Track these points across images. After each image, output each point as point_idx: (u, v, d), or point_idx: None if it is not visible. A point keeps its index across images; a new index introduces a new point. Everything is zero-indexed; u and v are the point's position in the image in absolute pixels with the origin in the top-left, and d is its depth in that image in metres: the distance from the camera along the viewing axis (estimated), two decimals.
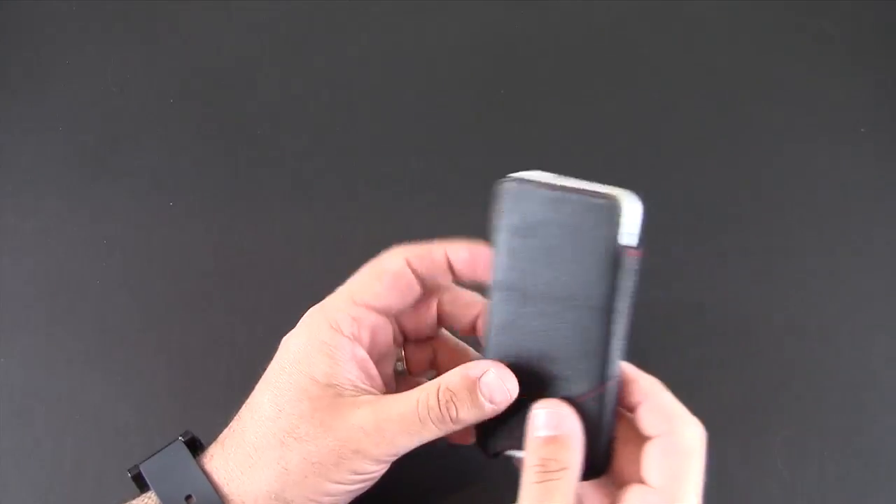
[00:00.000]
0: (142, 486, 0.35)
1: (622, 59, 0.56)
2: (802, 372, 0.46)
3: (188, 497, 0.33)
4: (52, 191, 0.52)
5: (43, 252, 0.50)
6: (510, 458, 0.36)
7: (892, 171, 0.52)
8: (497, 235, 0.35)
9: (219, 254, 0.50)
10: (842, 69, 0.56)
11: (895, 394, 0.45)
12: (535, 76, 0.56)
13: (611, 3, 0.58)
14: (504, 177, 0.35)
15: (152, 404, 0.45)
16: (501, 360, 0.35)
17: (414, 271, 0.37)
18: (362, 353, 0.36)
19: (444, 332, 0.41)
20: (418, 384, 0.35)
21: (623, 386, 0.34)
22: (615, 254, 0.33)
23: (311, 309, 0.37)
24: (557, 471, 0.32)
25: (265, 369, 0.36)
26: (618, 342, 0.34)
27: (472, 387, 0.33)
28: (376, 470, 0.34)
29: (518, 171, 0.35)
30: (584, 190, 0.34)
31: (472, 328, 0.39)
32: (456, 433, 0.39)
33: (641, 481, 0.33)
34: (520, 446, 0.34)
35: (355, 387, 0.35)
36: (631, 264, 0.33)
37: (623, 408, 0.35)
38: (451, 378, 0.34)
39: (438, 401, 0.33)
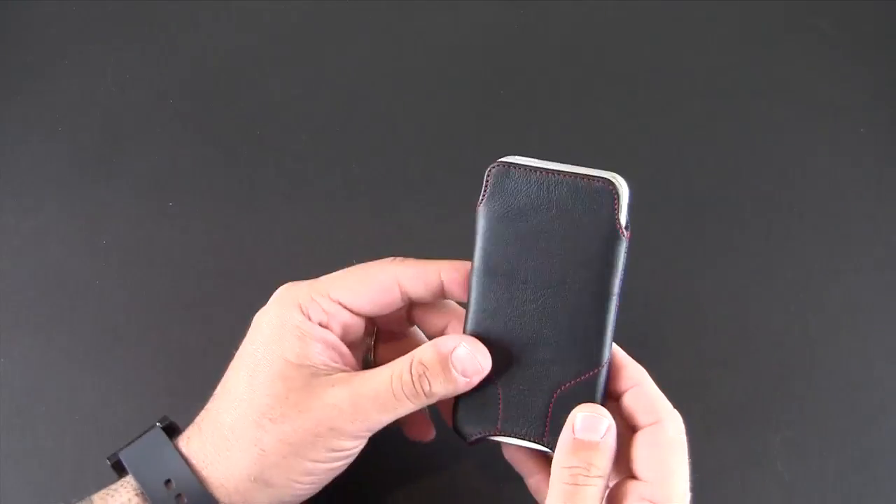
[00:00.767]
0: (122, 473, 0.35)
1: (622, 60, 0.56)
2: (802, 372, 0.46)
3: (167, 481, 0.33)
4: (52, 191, 0.52)
5: (43, 252, 0.50)
6: (487, 444, 0.36)
7: (893, 171, 0.52)
8: (481, 220, 0.35)
9: (219, 254, 0.50)
10: (842, 69, 0.56)
11: (895, 394, 0.45)
12: (535, 76, 0.56)
13: (611, 4, 0.58)
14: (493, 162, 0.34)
15: (152, 404, 0.45)
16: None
17: (402, 289, 0.36)
18: (333, 338, 0.36)
19: (416, 329, 0.41)
20: None
21: (612, 371, 0.34)
22: (614, 235, 0.33)
23: (284, 285, 0.37)
24: (593, 477, 0.32)
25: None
26: (612, 326, 0.34)
27: (445, 360, 0.34)
28: (354, 446, 0.34)
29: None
30: (576, 173, 0.34)
31: (442, 334, 0.38)
32: (415, 429, 0.40)
33: (632, 474, 0.33)
34: (493, 431, 0.35)
35: (328, 366, 0.35)
36: (625, 246, 0.33)
37: (610, 391, 0.35)
38: (424, 352, 0.34)
39: (412, 375, 0.33)
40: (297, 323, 0.35)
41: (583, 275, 0.34)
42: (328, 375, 0.34)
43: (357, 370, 0.36)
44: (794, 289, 0.48)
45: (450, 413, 0.36)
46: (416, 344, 0.40)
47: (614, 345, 0.35)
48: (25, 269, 0.49)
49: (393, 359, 0.38)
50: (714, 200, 0.51)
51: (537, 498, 0.37)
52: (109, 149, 0.53)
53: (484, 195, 0.35)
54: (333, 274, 0.37)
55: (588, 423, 0.33)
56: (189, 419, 0.37)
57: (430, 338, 0.40)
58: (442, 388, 0.34)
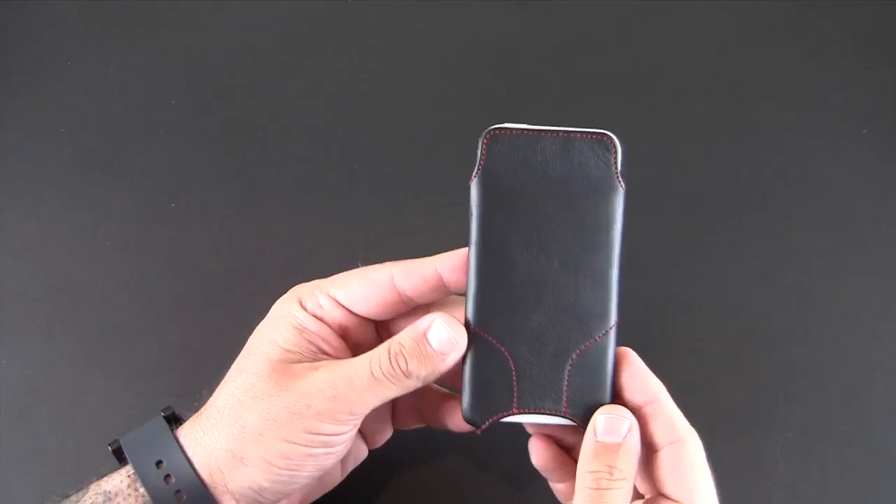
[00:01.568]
0: (122, 460, 0.36)
1: (623, 60, 0.56)
2: (803, 373, 0.46)
3: (159, 462, 0.34)
4: (52, 191, 0.52)
5: (43, 252, 0.50)
6: (499, 427, 0.35)
7: (894, 172, 0.52)
8: (477, 192, 0.34)
9: (219, 254, 0.50)
10: (843, 71, 0.56)
11: (895, 395, 0.45)
12: (535, 76, 0.56)
13: (612, 4, 0.58)
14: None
15: (152, 404, 0.45)
16: (487, 322, 0.34)
17: (397, 286, 0.36)
18: (326, 331, 0.36)
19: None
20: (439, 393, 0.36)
21: (631, 380, 0.34)
22: (613, 187, 0.33)
23: (295, 286, 0.37)
24: (619, 479, 0.32)
25: None
26: (616, 282, 0.34)
27: (420, 338, 0.33)
28: (331, 432, 0.33)
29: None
30: (574, 131, 0.34)
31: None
32: (402, 414, 0.40)
33: (661, 493, 0.33)
34: (510, 411, 0.34)
35: (315, 356, 0.35)
36: (624, 197, 0.34)
37: (626, 401, 0.34)
38: (401, 334, 0.34)
39: (389, 354, 0.33)
40: (293, 312, 0.36)
41: (584, 231, 0.33)
42: (314, 360, 0.35)
43: None
44: (794, 289, 0.48)
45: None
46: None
47: (635, 354, 0.34)
48: (26, 270, 0.49)
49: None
50: (714, 200, 0.51)
51: None
52: (110, 149, 0.53)
53: (479, 166, 0.34)
54: (336, 275, 0.37)
55: (609, 424, 0.33)
56: (187, 417, 0.37)
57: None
58: (418, 366, 0.33)
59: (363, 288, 0.36)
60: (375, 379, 0.33)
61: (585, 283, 0.33)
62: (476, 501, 0.44)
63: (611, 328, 0.34)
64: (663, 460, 0.33)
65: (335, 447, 0.34)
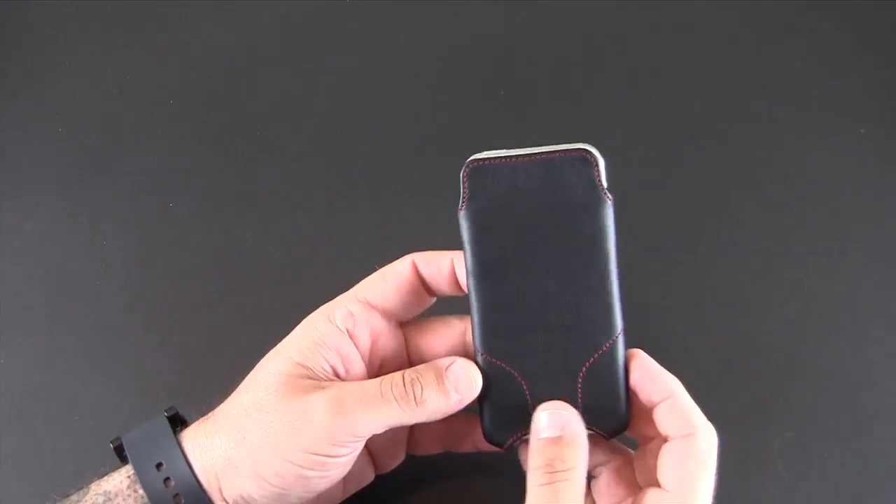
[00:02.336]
0: (123, 458, 0.36)
1: (622, 60, 0.56)
2: (802, 372, 0.46)
3: (159, 464, 0.34)
4: (52, 191, 0.52)
5: (43, 252, 0.50)
6: (520, 447, 0.36)
7: (893, 171, 0.52)
8: (465, 223, 0.35)
9: (219, 254, 0.50)
10: (842, 69, 0.56)
11: (895, 394, 0.45)
12: (534, 76, 0.56)
13: (611, 4, 0.58)
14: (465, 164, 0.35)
15: (152, 404, 0.45)
16: (494, 347, 0.34)
17: (420, 275, 0.37)
18: (349, 348, 0.36)
19: None
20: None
21: (645, 383, 0.34)
22: (600, 200, 0.33)
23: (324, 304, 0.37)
24: (563, 471, 0.32)
25: None
26: (617, 291, 0.34)
27: (440, 371, 0.34)
28: (332, 454, 0.33)
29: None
30: (548, 151, 0.34)
31: None
32: (422, 440, 0.39)
33: (656, 483, 0.33)
34: (529, 429, 0.34)
35: (327, 375, 0.35)
36: (612, 209, 0.34)
37: (643, 402, 0.35)
38: (420, 366, 0.34)
39: (403, 380, 0.33)
40: (317, 328, 0.35)
41: (577, 248, 0.34)
42: (325, 380, 0.34)
43: None
44: (794, 289, 0.48)
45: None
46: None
47: (646, 355, 0.35)
48: (25, 270, 0.49)
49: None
50: (714, 200, 0.51)
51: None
52: (109, 149, 0.53)
53: (464, 199, 0.35)
54: (363, 280, 0.37)
55: (549, 420, 0.33)
56: (189, 419, 0.37)
57: None
58: (433, 397, 0.33)
59: (389, 281, 0.36)
60: (384, 399, 0.33)
61: (585, 298, 0.34)
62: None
63: (616, 337, 0.34)
64: (668, 451, 0.33)
65: (330, 471, 0.34)
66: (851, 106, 0.54)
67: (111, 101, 0.55)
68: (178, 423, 0.36)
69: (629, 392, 0.35)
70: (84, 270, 0.49)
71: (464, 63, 0.56)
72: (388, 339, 0.37)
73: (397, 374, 0.34)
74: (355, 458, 0.35)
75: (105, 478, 0.35)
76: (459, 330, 0.38)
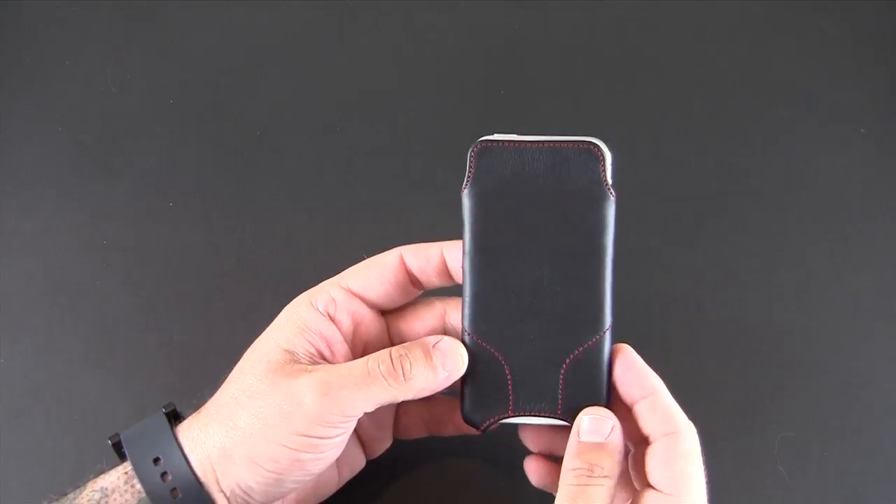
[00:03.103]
0: (121, 455, 0.36)
1: (622, 60, 0.56)
2: (802, 372, 0.46)
3: (156, 459, 0.34)
4: (52, 191, 0.52)
5: (43, 252, 0.50)
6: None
7: (892, 171, 0.52)
8: (469, 201, 0.35)
9: (217, 253, 0.50)
10: (842, 70, 0.56)
11: (895, 394, 0.45)
12: (535, 76, 0.56)
13: (611, 4, 0.58)
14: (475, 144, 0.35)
15: (152, 404, 0.45)
16: (482, 329, 0.35)
17: (407, 268, 0.37)
18: (332, 331, 0.36)
19: None
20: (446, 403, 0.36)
21: (627, 378, 0.34)
22: (603, 195, 0.34)
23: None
24: (601, 477, 0.32)
25: None
26: (610, 288, 0.34)
27: (427, 348, 0.34)
28: (323, 435, 0.33)
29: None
30: (558, 140, 0.34)
31: None
32: (407, 424, 0.40)
33: (649, 484, 0.33)
34: (506, 413, 0.35)
35: (313, 359, 0.35)
36: (614, 205, 0.34)
37: (624, 398, 0.35)
38: (407, 343, 0.35)
39: (391, 356, 0.34)
40: (300, 313, 0.36)
41: (575, 239, 0.34)
42: (312, 362, 0.35)
43: None
44: (794, 289, 0.48)
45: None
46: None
47: (631, 350, 0.35)
48: (25, 269, 0.49)
49: None
50: (714, 200, 0.51)
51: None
52: (109, 149, 0.53)
53: (469, 178, 0.35)
54: (349, 268, 0.38)
55: (592, 425, 0.34)
56: (187, 416, 0.37)
57: None
58: (421, 374, 0.34)
59: (374, 272, 0.37)
60: (371, 378, 0.33)
61: (577, 290, 0.34)
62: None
63: (604, 332, 0.34)
64: (655, 452, 0.33)
65: (324, 452, 0.34)
66: (851, 106, 0.54)
67: (111, 101, 0.55)
68: (176, 418, 0.36)
69: (611, 390, 0.35)
70: (84, 270, 0.49)
71: (464, 63, 0.56)
72: (370, 324, 0.38)
73: (384, 352, 0.34)
74: (347, 437, 0.35)
75: (102, 475, 0.35)
76: (440, 311, 0.38)
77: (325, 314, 0.36)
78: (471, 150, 0.35)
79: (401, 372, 0.33)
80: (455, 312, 0.38)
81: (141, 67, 0.56)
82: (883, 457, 0.44)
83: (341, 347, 0.36)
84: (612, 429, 0.33)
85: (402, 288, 0.37)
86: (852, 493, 0.43)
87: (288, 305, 0.37)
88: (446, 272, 0.37)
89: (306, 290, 0.38)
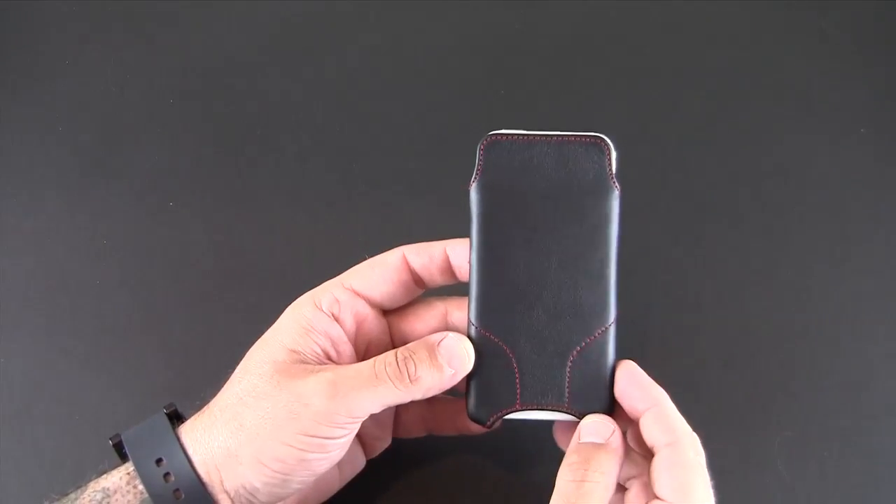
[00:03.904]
0: (122, 456, 0.36)
1: (622, 60, 0.56)
2: (802, 372, 0.46)
3: (159, 460, 0.34)
4: (52, 191, 0.52)
5: (43, 252, 0.50)
6: (506, 425, 0.36)
7: (892, 171, 0.52)
8: (476, 195, 0.35)
9: (219, 254, 0.50)
10: (842, 69, 0.56)
11: (895, 394, 0.45)
12: (535, 76, 0.56)
13: (611, 4, 0.58)
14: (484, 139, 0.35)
15: (152, 404, 0.45)
16: (489, 321, 0.35)
17: (410, 266, 0.37)
18: (337, 332, 0.36)
19: None
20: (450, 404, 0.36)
21: (632, 389, 0.34)
22: (608, 188, 0.34)
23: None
24: (597, 473, 0.32)
25: None
26: (614, 280, 0.34)
27: (432, 347, 0.34)
28: (330, 436, 0.33)
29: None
30: (567, 135, 0.34)
31: None
32: (406, 424, 0.40)
33: (655, 495, 0.33)
34: (513, 407, 0.35)
35: (319, 359, 0.35)
36: (619, 199, 0.34)
37: (628, 412, 0.35)
38: (411, 343, 0.35)
39: (396, 358, 0.34)
40: (304, 313, 0.36)
41: (581, 232, 0.34)
42: (318, 363, 0.35)
43: None
44: (793, 289, 0.48)
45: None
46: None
47: (634, 364, 0.35)
48: (25, 269, 0.49)
49: None
50: (714, 200, 0.51)
51: None
52: (109, 149, 0.53)
53: (478, 171, 0.35)
54: (351, 268, 0.38)
55: (593, 428, 0.34)
56: (188, 416, 0.37)
57: None
58: (427, 373, 0.34)
59: (377, 272, 0.37)
60: (378, 380, 0.33)
61: (583, 282, 0.34)
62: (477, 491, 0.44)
63: (610, 325, 0.34)
64: (658, 462, 0.33)
65: (330, 452, 0.34)
66: (851, 106, 0.54)
67: (111, 101, 0.55)
68: (177, 419, 0.36)
69: (614, 399, 0.35)
70: (84, 270, 0.49)
71: (464, 62, 0.56)
72: (372, 323, 0.38)
73: (390, 354, 0.34)
74: (352, 438, 0.35)
75: (104, 475, 0.35)
76: (441, 311, 0.38)
77: (330, 314, 0.36)
78: (480, 143, 0.35)
79: (406, 374, 0.33)
80: (457, 311, 0.38)
81: (141, 68, 0.56)
82: (883, 457, 0.44)
83: (346, 348, 0.37)
84: (613, 432, 0.34)
85: (405, 287, 0.38)
86: (852, 493, 0.43)
87: (291, 306, 0.37)
88: (450, 270, 0.37)
89: (307, 289, 0.38)
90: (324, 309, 0.36)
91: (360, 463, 0.40)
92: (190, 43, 0.57)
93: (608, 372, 0.34)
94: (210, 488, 0.33)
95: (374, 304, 0.38)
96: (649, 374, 0.35)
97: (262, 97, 0.55)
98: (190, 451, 0.34)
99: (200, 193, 0.52)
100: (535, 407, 0.35)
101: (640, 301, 0.48)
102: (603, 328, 0.34)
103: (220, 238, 0.50)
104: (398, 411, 0.41)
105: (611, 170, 0.34)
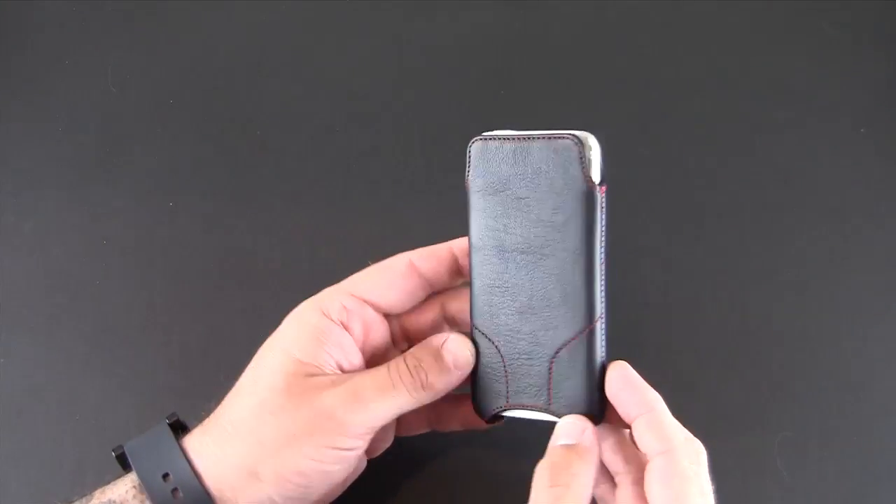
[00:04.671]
0: (126, 466, 0.35)
1: (622, 60, 0.56)
2: (802, 372, 0.46)
3: (165, 475, 0.33)
4: (52, 191, 0.52)
5: (43, 252, 0.50)
6: (507, 421, 0.37)
7: (892, 171, 0.52)
8: (469, 198, 0.35)
9: (219, 254, 0.50)
10: (842, 69, 0.56)
11: (894, 394, 0.45)
12: (534, 76, 0.56)
13: (610, 4, 0.58)
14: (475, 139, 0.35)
15: (152, 404, 0.45)
16: (483, 321, 0.35)
17: (418, 272, 0.37)
18: (348, 341, 0.36)
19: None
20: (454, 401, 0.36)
21: (625, 393, 0.34)
22: (584, 189, 0.34)
23: (310, 297, 0.38)
24: (568, 476, 0.32)
25: None
26: (598, 281, 0.34)
27: (437, 352, 0.35)
28: (350, 446, 0.34)
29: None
30: (545, 134, 0.34)
31: None
32: (410, 422, 0.40)
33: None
34: (504, 406, 0.35)
35: (332, 369, 0.35)
36: (601, 199, 0.34)
37: (621, 416, 0.34)
38: (417, 347, 0.35)
39: (408, 366, 0.34)
40: (314, 322, 0.36)
41: (561, 233, 0.34)
42: (331, 374, 0.35)
43: None
44: (793, 289, 0.48)
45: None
46: None
47: (627, 365, 0.34)
48: (25, 269, 0.50)
49: None
50: (714, 200, 0.51)
51: None
52: (109, 149, 0.53)
53: (468, 174, 0.35)
54: (352, 276, 0.38)
55: (566, 430, 0.34)
56: (190, 418, 0.37)
57: None
58: (438, 378, 0.34)
59: (385, 279, 0.37)
60: (396, 389, 0.34)
61: (562, 282, 0.34)
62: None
63: (594, 324, 0.34)
64: (651, 471, 0.32)
65: (350, 462, 0.35)
66: (851, 106, 0.54)
67: (111, 100, 0.55)
68: (180, 429, 0.36)
69: (605, 401, 0.34)
70: (84, 270, 0.49)
71: (464, 63, 0.56)
72: (377, 328, 0.38)
73: (400, 361, 0.35)
74: (368, 443, 0.35)
75: (110, 485, 0.34)
76: (438, 302, 0.39)
77: (339, 323, 0.36)
78: (469, 146, 0.35)
79: (420, 382, 0.34)
80: (452, 302, 0.38)
81: (141, 67, 0.56)
82: (883, 457, 0.44)
83: (356, 356, 0.36)
84: (585, 431, 0.33)
85: (412, 293, 0.38)
86: (852, 493, 0.43)
87: (294, 314, 0.37)
88: (458, 270, 0.38)
89: (307, 289, 0.38)
90: (333, 318, 0.36)
91: (363, 465, 0.40)
92: (190, 43, 0.57)
93: (594, 373, 0.34)
94: None
95: (380, 311, 0.38)
96: (649, 375, 0.35)
97: (262, 97, 0.55)
98: (200, 468, 0.34)
99: (200, 193, 0.52)
100: (521, 406, 0.35)
101: (639, 300, 0.48)
102: (588, 327, 0.34)
103: (220, 238, 0.50)
104: None
105: (585, 167, 0.34)
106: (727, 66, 0.56)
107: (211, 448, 0.34)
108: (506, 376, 0.35)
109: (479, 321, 0.36)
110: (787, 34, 0.57)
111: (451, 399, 0.39)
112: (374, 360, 0.38)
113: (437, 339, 0.35)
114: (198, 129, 0.54)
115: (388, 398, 0.34)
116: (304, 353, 0.35)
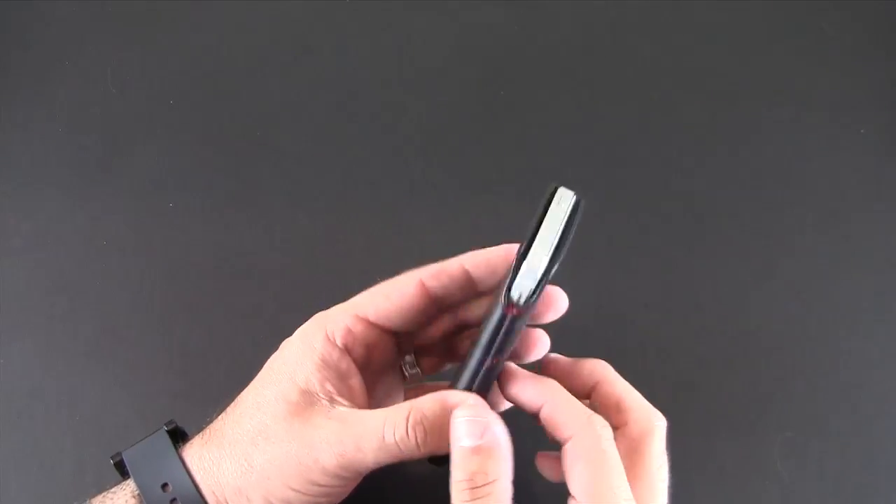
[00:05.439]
0: (124, 473, 0.35)
1: (622, 61, 0.56)
2: (802, 372, 0.46)
3: (164, 485, 0.33)
4: (52, 191, 0.52)
5: (43, 252, 0.50)
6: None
7: (892, 171, 0.52)
8: None
9: (219, 254, 0.50)
10: (842, 70, 0.56)
11: (895, 394, 0.45)
12: (535, 77, 0.56)
13: (611, 4, 0.58)
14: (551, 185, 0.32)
15: (152, 404, 0.45)
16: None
17: (429, 292, 0.36)
18: (349, 366, 0.35)
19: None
20: (431, 389, 0.34)
21: (518, 391, 0.34)
22: (501, 313, 0.32)
23: (315, 315, 0.36)
24: (486, 485, 0.30)
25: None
26: (472, 374, 0.33)
27: (445, 421, 0.32)
28: (336, 485, 0.33)
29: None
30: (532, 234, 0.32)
31: None
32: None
33: (570, 495, 0.31)
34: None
35: (332, 399, 0.34)
36: (512, 324, 0.32)
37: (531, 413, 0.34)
38: (426, 399, 0.33)
39: (407, 422, 0.32)
40: (317, 347, 0.35)
41: (483, 337, 0.33)
42: (328, 408, 0.34)
43: (365, 405, 0.36)
44: (793, 289, 0.48)
45: None
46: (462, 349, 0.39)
47: (513, 364, 0.35)
48: (25, 270, 0.49)
49: (437, 367, 0.38)
50: (714, 201, 0.51)
51: None
52: (109, 149, 0.53)
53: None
54: (357, 296, 0.36)
55: (467, 428, 0.31)
56: (189, 420, 0.37)
57: None
58: (435, 442, 0.32)
59: (393, 300, 0.35)
60: (386, 442, 0.32)
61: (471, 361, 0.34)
62: None
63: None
64: (564, 460, 0.31)
65: (338, 496, 0.34)
66: (851, 106, 0.54)
67: (111, 100, 0.55)
68: (179, 436, 0.36)
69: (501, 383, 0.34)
70: (84, 270, 0.49)
71: (464, 63, 0.56)
72: (382, 347, 0.37)
73: (400, 414, 0.32)
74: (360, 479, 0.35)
75: (108, 493, 0.34)
76: (419, 290, 0.37)
77: (343, 348, 0.35)
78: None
79: (414, 441, 0.32)
80: (466, 310, 0.37)
81: (141, 67, 0.56)
82: (883, 457, 0.44)
83: (356, 381, 0.36)
84: (487, 425, 0.31)
85: (423, 313, 0.36)
86: (852, 493, 0.43)
87: (300, 334, 0.36)
88: (471, 285, 0.36)
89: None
90: (338, 342, 0.35)
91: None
92: (190, 43, 0.57)
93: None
94: None
95: (387, 332, 0.37)
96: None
97: (262, 97, 0.55)
98: (198, 479, 0.34)
99: (200, 194, 0.52)
100: None
101: (639, 301, 0.48)
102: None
103: (219, 238, 0.50)
104: None
105: (506, 285, 0.31)
106: (726, 66, 0.56)
107: (208, 462, 0.34)
108: None
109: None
110: (787, 34, 0.57)
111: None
112: (376, 376, 0.37)
113: (451, 401, 0.32)
114: (198, 130, 0.54)
115: (375, 452, 0.32)
116: (305, 380, 0.34)
